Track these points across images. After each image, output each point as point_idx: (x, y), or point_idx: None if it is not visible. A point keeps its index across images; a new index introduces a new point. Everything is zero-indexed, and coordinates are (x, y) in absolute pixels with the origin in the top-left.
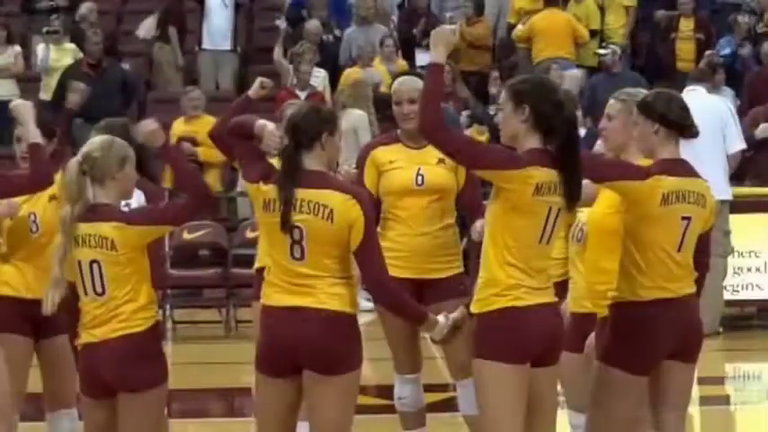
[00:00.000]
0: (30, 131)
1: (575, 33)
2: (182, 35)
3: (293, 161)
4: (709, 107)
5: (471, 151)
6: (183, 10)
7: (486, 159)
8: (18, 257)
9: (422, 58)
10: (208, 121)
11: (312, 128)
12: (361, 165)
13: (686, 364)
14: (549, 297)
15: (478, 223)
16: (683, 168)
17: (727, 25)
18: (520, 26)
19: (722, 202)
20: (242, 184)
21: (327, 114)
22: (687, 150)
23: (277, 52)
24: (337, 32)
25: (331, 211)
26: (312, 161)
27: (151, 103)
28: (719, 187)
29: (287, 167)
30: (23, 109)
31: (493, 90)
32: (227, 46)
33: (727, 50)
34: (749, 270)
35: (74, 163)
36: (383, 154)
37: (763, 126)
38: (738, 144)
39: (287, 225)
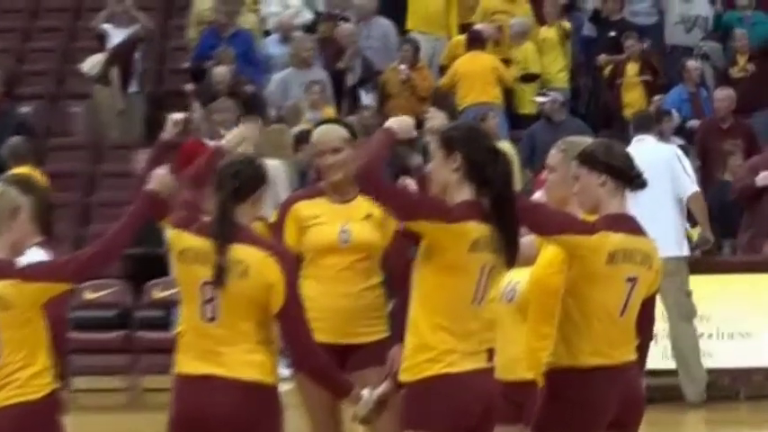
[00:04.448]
0: None
1: (500, 77)
2: (127, 78)
3: (228, 213)
4: (659, 157)
5: (404, 201)
6: (133, 50)
7: (421, 210)
8: None
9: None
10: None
11: (251, 181)
12: (281, 219)
13: None
14: (482, 362)
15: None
16: (629, 225)
17: (680, 71)
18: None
19: (678, 259)
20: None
21: (264, 168)
22: (637, 206)
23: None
24: (249, 87)
25: (246, 268)
26: (242, 214)
27: (54, 151)
28: (673, 243)
29: (222, 217)
30: None
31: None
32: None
33: (673, 104)
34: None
35: None
36: (306, 208)
37: (763, 174)
38: (691, 187)
39: (221, 282)
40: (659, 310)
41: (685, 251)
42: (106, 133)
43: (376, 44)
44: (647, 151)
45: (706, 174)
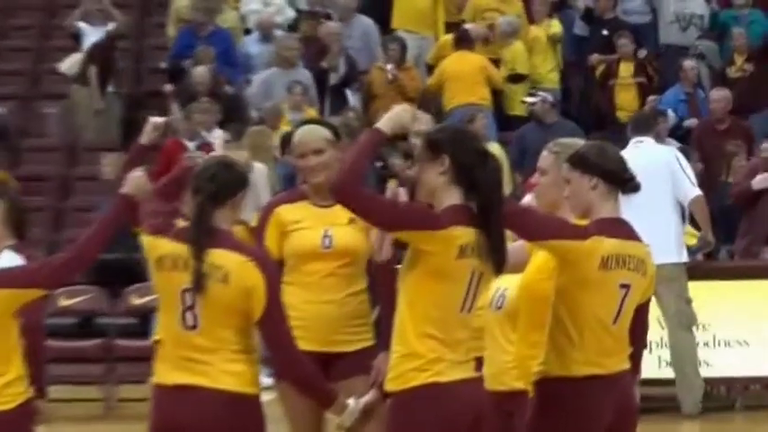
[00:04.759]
0: None
1: (488, 77)
2: (106, 77)
3: (205, 217)
4: (659, 160)
5: (386, 212)
6: (112, 49)
7: (404, 220)
8: None
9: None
10: None
11: (230, 184)
12: (262, 224)
13: None
14: (470, 371)
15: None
16: (623, 230)
17: (675, 71)
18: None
19: (678, 265)
20: None
21: (243, 172)
22: (636, 210)
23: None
24: (229, 88)
25: (226, 273)
26: (220, 219)
27: (27, 153)
28: (673, 249)
29: (199, 222)
30: None
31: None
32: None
33: (669, 105)
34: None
35: None
36: (287, 212)
37: (760, 177)
38: (692, 190)
39: (200, 288)
40: (653, 317)
41: (684, 257)
42: (82, 135)
43: (357, 43)
44: (646, 153)
45: (705, 177)
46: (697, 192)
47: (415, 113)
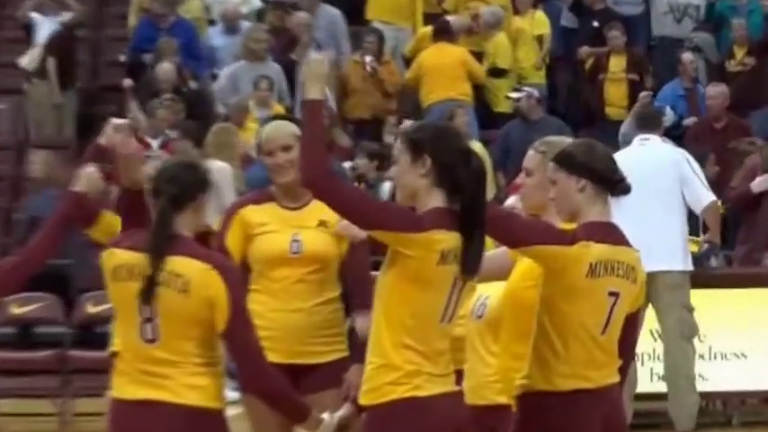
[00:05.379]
0: None
1: (469, 71)
2: (67, 70)
3: (167, 222)
4: (666, 160)
5: (365, 208)
6: (71, 39)
7: (383, 218)
8: None
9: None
10: None
11: (191, 186)
12: (225, 226)
13: None
14: (450, 385)
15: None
16: (613, 234)
17: (669, 65)
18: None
19: (684, 273)
20: None
21: (205, 172)
22: (635, 213)
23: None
24: (193, 84)
25: (186, 282)
26: (181, 224)
27: None
28: (680, 256)
29: (158, 227)
30: None
31: (389, 140)
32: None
33: (667, 101)
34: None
35: None
36: (253, 214)
37: (759, 179)
38: (707, 196)
39: (149, 296)
40: (646, 328)
41: (690, 264)
42: (37, 131)
43: (322, 34)
44: (652, 152)
45: (715, 180)
46: (712, 197)
47: (323, 59)
